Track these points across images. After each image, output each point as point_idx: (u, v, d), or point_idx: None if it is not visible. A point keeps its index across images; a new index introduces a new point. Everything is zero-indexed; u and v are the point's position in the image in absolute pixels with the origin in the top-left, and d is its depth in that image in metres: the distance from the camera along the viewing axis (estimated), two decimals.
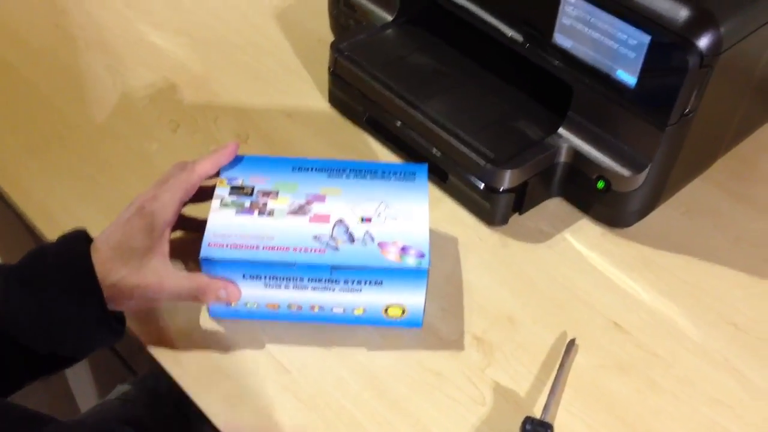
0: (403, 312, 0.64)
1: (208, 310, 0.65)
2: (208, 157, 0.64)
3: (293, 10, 0.99)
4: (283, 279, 0.61)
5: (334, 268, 0.60)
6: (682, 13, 0.60)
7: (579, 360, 0.65)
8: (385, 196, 0.65)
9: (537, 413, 0.61)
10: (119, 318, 0.60)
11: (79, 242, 0.57)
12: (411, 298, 0.63)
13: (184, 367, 0.63)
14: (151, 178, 0.62)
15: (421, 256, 0.61)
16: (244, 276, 0.61)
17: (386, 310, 0.64)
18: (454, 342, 0.66)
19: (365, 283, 0.61)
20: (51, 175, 0.77)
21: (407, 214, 0.63)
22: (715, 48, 0.60)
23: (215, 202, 0.64)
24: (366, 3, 0.86)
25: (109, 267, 0.56)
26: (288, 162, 0.67)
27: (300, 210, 0.63)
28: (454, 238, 0.74)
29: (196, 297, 0.60)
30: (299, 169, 0.67)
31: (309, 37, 0.94)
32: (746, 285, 0.71)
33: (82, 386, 1.14)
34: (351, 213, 0.63)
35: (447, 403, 0.62)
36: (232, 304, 0.63)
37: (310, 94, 0.87)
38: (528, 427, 0.59)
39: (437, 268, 0.70)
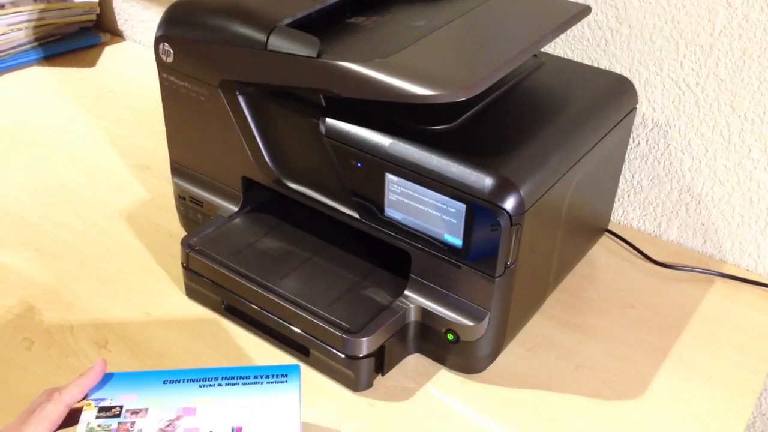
0: None
1: None
2: (75, 382, 0.64)
3: (140, 209, 1.03)
4: None
5: None
6: (488, 183, 0.69)
7: None
8: (255, 402, 0.66)
9: None
10: None
11: None
12: None
13: None
14: (10, 403, 0.62)
15: None
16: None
17: None
18: None
19: None
20: None
21: (278, 418, 0.65)
22: (520, 207, 0.69)
23: (81, 429, 0.63)
24: (211, 197, 0.92)
25: None
26: (158, 375, 0.68)
27: (169, 426, 0.64)
28: (324, 411, 0.76)
29: None
30: (170, 381, 0.67)
31: (159, 233, 0.98)
32: (592, 408, 0.78)
33: None
34: (222, 424, 0.64)
35: None
36: None
37: (167, 290, 0.90)
38: None
39: None
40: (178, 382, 0.67)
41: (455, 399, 0.79)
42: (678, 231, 1.00)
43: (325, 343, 0.77)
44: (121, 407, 0.65)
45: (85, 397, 0.65)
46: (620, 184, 1.00)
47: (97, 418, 0.64)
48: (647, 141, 0.97)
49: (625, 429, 0.76)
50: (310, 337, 0.78)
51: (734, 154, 0.92)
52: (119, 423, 0.63)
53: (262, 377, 0.69)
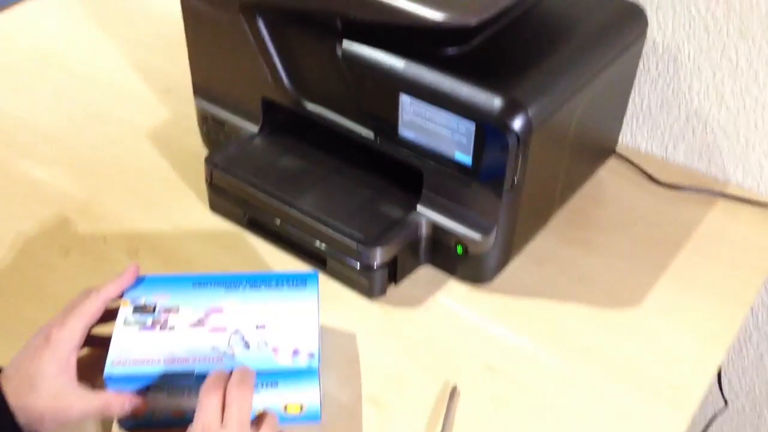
0: (301, 408, 0.71)
1: (119, 423, 0.70)
2: (112, 281, 0.70)
3: (165, 129, 1.07)
4: (185, 388, 0.67)
5: None
6: (497, 103, 0.73)
7: (462, 403, 0.74)
8: (277, 303, 0.72)
9: None
10: None
11: None
12: (306, 396, 0.69)
13: None
14: (49, 304, 0.68)
15: (311, 356, 0.67)
16: (148, 389, 0.67)
17: (285, 408, 0.70)
18: (351, 406, 0.74)
19: (261, 385, 0.67)
20: None
21: (298, 319, 0.70)
22: (527, 127, 0.73)
23: (119, 322, 0.69)
24: (233, 118, 0.96)
25: (19, 393, 0.61)
26: (188, 279, 0.74)
27: (199, 323, 0.70)
28: (341, 316, 0.82)
29: (103, 413, 0.65)
30: (199, 284, 0.73)
31: (182, 152, 1.03)
32: (591, 316, 0.83)
33: None
34: (246, 322, 0.70)
35: None
36: (140, 416, 0.68)
37: (192, 205, 0.95)
38: None
39: (330, 344, 0.78)
40: (207, 285, 0.73)
41: (464, 306, 0.84)
42: (684, 154, 1.03)
43: (341, 254, 0.83)
44: (155, 305, 0.71)
45: (121, 296, 0.71)
46: (629, 108, 1.03)
47: (133, 313, 0.70)
48: (657, 66, 1.00)
49: (623, 334, 0.81)
50: (328, 249, 0.84)
51: (741, 78, 0.94)
52: (153, 319, 0.70)
53: (282, 282, 0.74)
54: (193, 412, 0.68)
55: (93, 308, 0.67)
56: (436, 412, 0.73)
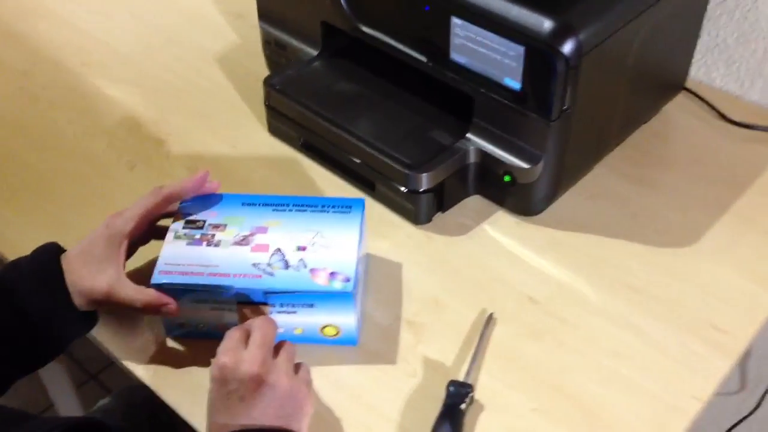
0: (338, 332, 0.72)
1: (165, 330, 0.74)
2: (178, 182, 0.73)
3: (232, 53, 1.09)
4: (226, 303, 0.70)
5: (267, 293, 0.68)
6: (546, 26, 0.70)
7: (497, 331, 0.75)
8: (320, 227, 0.73)
9: (460, 378, 0.70)
10: (91, 313, 0.69)
11: (50, 251, 0.67)
12: (342, 319, 0.71)
13: (157, 376, 0.72)
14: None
15: (347, 280, 0.68)
16: (192, 300, 0.70)
17: (322, 330, 0.72)
18: (389, 327, 0.75)
19: (298, 305, 0.69)
20: (24, 221, 0.86)
21: (339, 243, 0.71)
22: (578, 51, 0.71)
23: (170, 235, 0.73)
24: (294, 42, 0.97)
25: (72, 268, 0.66)
26: (239, 198, 0.76)
27: (243, 240, 0.72)
28: (387, 241, 0.83)
29: (143, 309, 0.68)
30: (248, 204, 0.75)
31: (248, 76, 1.05)
32: (641, 253, 0.81)
33: (66, 408, 1.23)
34: (288, 242, 0.72)
35: (382, 377, 0.71)
36: (186, 325, 0.72)
37: (252, 127, 0.97)
38: (451, 388, 0.68)
39: (372, 267, 0.80)
40: (254, 205, 0.76)
41: (510, 237, 0.84)
42: (761, 92, 0.97)
43: (389, 178, 0.83)
44: (204, 221, 0.74)
45: (178, 212, 0.74)
46: (704, 41, 0.98)
47: (183, 228, 0.73)
48: None
49: (673, 274, 0.79)
50: (376, 172, 0.84)
51: None
52: (202, 234, 0.73)
53: (328, 207, 0.75)
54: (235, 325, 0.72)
55: (151, 201, 0.70)
56: (469, 338, 0.74)
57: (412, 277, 0.80)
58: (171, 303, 0.68)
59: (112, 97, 1.03)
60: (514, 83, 0.76)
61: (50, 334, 0.65)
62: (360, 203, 0.76)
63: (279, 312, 0.70)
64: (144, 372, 0.72)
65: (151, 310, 0.68)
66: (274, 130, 0.95)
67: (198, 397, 0.69)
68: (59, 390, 1.27)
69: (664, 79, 0.94)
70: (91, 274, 0.66)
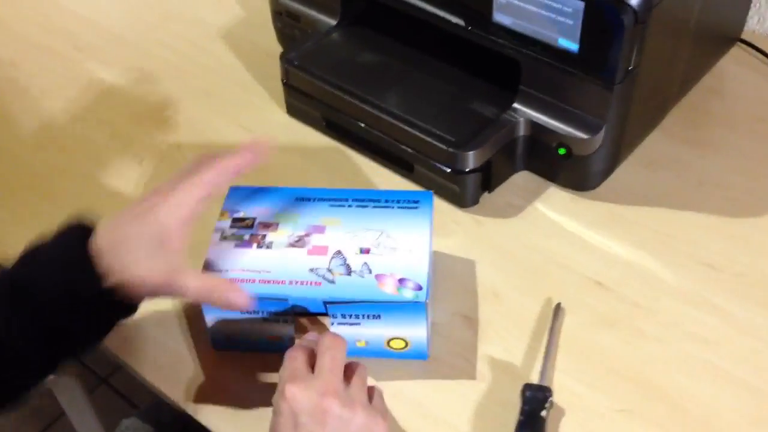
0: (406, 344, 0.64)
1: (212, 343, 0.66)
2: (234, 154, 0.59)
3: (237, 28, 1.00)
4: (281, 314, 0.62)
5: (328, 303, 0.60)
6: None
7: (567, 322, 0.67)
8: (385, 225, 0.64)
9: (534, 380, 0.63)
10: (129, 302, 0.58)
11: (78, 237, 0.56)
12: (412, 331, 0.62)
13: (190, 394, 0.64)
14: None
15: (419, 288, 0.59)
16: (241, 309, 0.60)
17: (388, 343, 0.64)
18: (444, 325, 0.68)
19: (363, 316, 0.61)
20: (22, 223, 0.77)
21: (407, 244, 0.62)
22: (647, 4, 0.62)
23: (215, 236, 0.64)
24: (308, 11, 0.88)
25: (114, 255, 0.55)
26: (291, 192, 0.67)
27: (299, 242, 0.63)
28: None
29: (204, 297, 0.58)
30: (301, 199, 0.67)
31: (257, 52, 0.96)
32: (714, 226, 0.74)
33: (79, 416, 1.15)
34: (350, 244, 0.63)
35: (446, 385, 0.64)
36: (234, 337, 0.64)
37: (268, 108, 0.89)
38: (528, 393, 0.60)
39: None
40: (309, 201, 0.67)
41: (564, 215, 0.76)
42: None
43: (429, 158, 0.75)
44: (254, 219, 0.65)
45: (222, 213, 0.65)
46: None
47: (230, 227, 0.65)
48: None
49: (749, 245, 0.72)
50: (414, 152, 0.76)
51: None
52: (251, 234, 0.64)
53: (392, 201, 0.66)
54: (290, 339, 0.63)
55: (214, 176, 0.57)
56: (537, 333, 0.66)
57: (463, 267, 0.72)
58: (242, 295, 0.57)
59: (111, 82, 0.93)
60: (571, 44, 0.67)
61: (86, 321, 0.56)
62: (428, 197, 0.67)
63: (340, 324, 0.62)
64: (176, 391, 0.64)
65: (211, 297, 0.57)
66: (293, 111, 0.87)
67: (242, 422, 0.61)
68: (70, 397, 1.20)
69: (721, 31, 0.85)
70: (144, 263, 0.54)
